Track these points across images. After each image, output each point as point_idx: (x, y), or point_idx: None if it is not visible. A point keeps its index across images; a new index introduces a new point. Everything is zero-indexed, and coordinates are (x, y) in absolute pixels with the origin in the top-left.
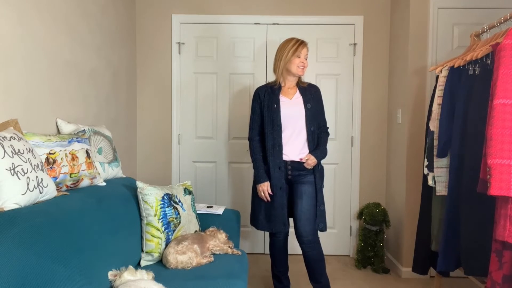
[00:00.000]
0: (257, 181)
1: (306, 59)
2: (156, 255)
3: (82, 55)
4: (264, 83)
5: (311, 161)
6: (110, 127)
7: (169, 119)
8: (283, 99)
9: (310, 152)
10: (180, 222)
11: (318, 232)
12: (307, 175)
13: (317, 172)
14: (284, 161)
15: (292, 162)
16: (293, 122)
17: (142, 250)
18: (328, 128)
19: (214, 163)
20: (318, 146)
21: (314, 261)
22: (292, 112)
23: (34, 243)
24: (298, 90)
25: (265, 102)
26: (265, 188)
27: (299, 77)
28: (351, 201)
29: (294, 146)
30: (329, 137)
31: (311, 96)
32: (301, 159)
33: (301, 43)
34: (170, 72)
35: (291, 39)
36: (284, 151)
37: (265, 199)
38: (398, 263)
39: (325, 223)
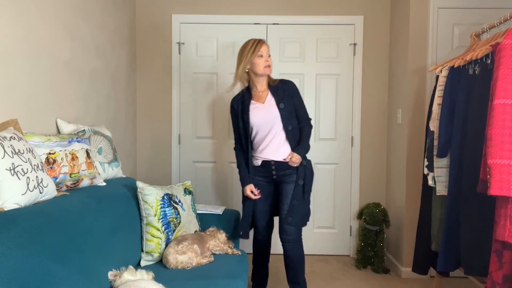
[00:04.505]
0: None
1: (269, 56)
2: (156, 255)
3: (82, 55)
4: None
5: (295, 159)
6: (110, 127)
7: (169, 119)
8: (256, 105)
9: (293, 150)
10: (180, 222)
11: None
12: (292, 174)
13: (301, 167)
14: (267, 161)
15: (276, 162)
16: (269, 125)
17: (142, 250)
18: (310, 120)
19: (214, 163)
20: (300, 142)
21: (293, 262)
22: (266, 115)
23: (34, 243)
24: (269, 92)
25: (239, 112)
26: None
27: (269, 77)
28: (351, 201)
29: (274, 147)
30: (329, 137)
31: (284, 93)
32: (284, 159)
33: (259, 42)
34: (170, 72)
35: (249, 40)
36: (265, 155)
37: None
38: (398, 263)
39: (298, 218)
